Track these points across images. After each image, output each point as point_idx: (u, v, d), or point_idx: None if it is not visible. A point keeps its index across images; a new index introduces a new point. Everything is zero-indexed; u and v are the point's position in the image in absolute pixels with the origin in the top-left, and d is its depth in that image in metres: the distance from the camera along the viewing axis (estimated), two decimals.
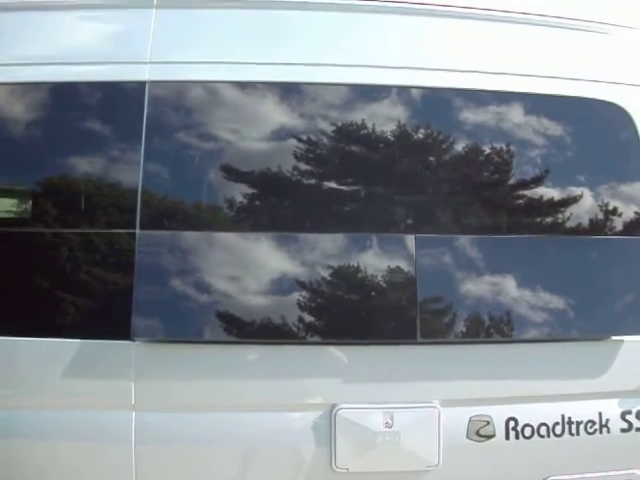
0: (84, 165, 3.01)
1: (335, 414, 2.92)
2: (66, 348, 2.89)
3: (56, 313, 2.93)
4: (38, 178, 3.05)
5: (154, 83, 2.99)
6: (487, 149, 3.13)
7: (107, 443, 2.91)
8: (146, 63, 3.01)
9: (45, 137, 3.06)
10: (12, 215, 3.09)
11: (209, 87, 3.03)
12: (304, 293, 2.95)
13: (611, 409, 3.07)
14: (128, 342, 2.88)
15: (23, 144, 3.06)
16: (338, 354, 2.97)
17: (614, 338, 3.07)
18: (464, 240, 3.03)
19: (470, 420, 2.98)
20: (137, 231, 2.93)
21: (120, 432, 2.90)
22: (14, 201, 3.11)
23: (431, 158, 3.14)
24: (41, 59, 3.05)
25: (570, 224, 3.12)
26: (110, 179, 3.00)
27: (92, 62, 3.03)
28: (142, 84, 2.99)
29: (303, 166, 3.03)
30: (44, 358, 2.92)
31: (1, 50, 3.06)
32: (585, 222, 3.12)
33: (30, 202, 3.07)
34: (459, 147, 3.11)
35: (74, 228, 2.98)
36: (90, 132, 3.02)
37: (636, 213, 3.16)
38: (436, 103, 3.14)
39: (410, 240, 2.98)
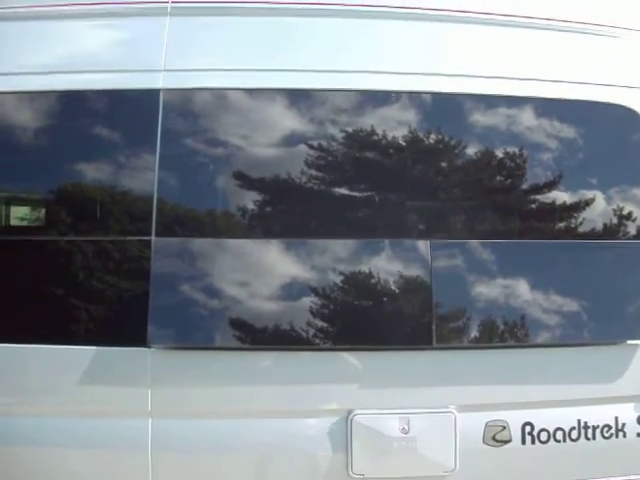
0: (99, 173, 3.02)
1: (351, 420, 2.92)
2: (82, 355, 2.90)
3: (72, 320, 2.94)
4: (54, 186, 3.06)
5: (168, 91, 3.00)
6: (500, 154, 3.13)
7: (123, 451, 2.91)
8: (160, 71, 3.01)
9: (59, 145, 3.08)
10: (28, 223, 3.10)
11: (223, 94, 3.04)
12: (320, 299, 2.95)
13: (627, 414, 3.07)
14: (144, 349, 2.88)
15: (38, 152, 3.07)
16: (354, 360, 2.97)
17: (630, 342, 3.06)
18: (479, 245, 3.03)
19: (486, 425, 2.98)
20: (153, 238, 2.93)
21: (136, 439, 2.90)
22: (30, 209, 3.13)
23: (445, 163, 3.14)
24: (55, 67, 3.06)
25: (584, 228, 3.12)
26: (125, 187, 3.01)
27: (107, 70, 3.04)
28: (156, 92, 2.99)
29: (318, 172, 3.03)
30: (60, 365, 2.92)
31: (17, 58, 3.07)
32: (600, 226, 3.12)
33: (45, 210, 3.09)
34: (472, 152, 3.11)
35: (90, 236, 2.99)
36: (105, 140, 3.03)
37: None
38: (447, 108, 3.14)
39: (425, 245, 2.99)
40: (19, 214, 3.15)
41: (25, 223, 3.13)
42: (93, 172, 3.02)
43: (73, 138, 3.06)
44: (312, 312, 2.93)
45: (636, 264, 3.15)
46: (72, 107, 3.07)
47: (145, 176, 2.98)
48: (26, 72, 3.06)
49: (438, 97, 3.12)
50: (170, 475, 2.92)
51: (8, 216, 3.16)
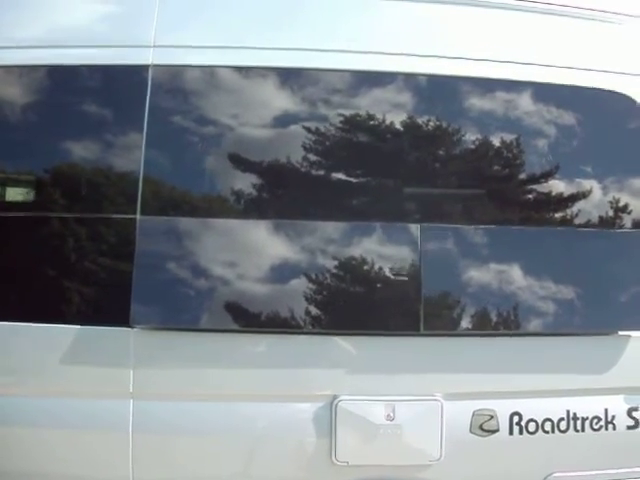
0: (85, 149, 2.97)
1: (336, 405, 2.87)
2: (64, 334, 2.85)
3: (55, 299, 2.89)
4: (38, 163, 3.01)
5: (157, 67, 2.95)
6: (497, 140, 3.08)
7: (104, 431, 2.87)
8: (150, 47, 2.96)
9: (46, 121, 3.02)
10: (13, 200, 3.05)
11: (214, 72, 2.99)
12: (306, 282, 2.90)
13: (617, 405, 3.03)
14: (127, 329, 2.84)
15: (24, 129, 3.02)
16: (340, 345, 2.92)
17: (621, 333, 3.02)
18: (470, 230, 2.98)
19: (473, 414, 2.93)
20: (138, 217, 2.88)
21: (117, 420, 2.86)
22: (13, 186, 3.08)
23: (438, 147, 3.09)
24: (42, 42, 3.01)
25: (580, 217, 3.07)
26: (111, 164, 2.96)
27: (95, 45, 2.99)
28: (145, 68, 2.95)
29: (309, 154, 2.97)
30: (42, 344, 2.88)
31: (3, 31, 3.01)
32: (595, 215, 3.07)
33: (31, 187, 3.04)
34: (467, 137, 3.06)
35: (74, 213, 2.94)
36: (92, 116, 2.98)
37: None
38: (442, 91, 3.09)
39: (415, 230, 2.94)
40: (2, 191, 3.09)
41: (9, 200, 3.07)
42: (78, 148, 2.97)
43: (59, 114, 3.01)
44: (298, 295, 2.89)
45: (630, 254, 3.10)
46: (59, 82, 3.02)
47: (132, 153, 2.92)
48: (12, 46, 3.00)
49: (432, 79, 3.07)
50: (151, 458, 2.88)
51: None
